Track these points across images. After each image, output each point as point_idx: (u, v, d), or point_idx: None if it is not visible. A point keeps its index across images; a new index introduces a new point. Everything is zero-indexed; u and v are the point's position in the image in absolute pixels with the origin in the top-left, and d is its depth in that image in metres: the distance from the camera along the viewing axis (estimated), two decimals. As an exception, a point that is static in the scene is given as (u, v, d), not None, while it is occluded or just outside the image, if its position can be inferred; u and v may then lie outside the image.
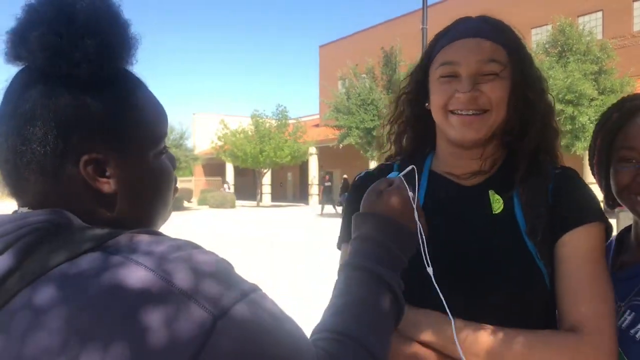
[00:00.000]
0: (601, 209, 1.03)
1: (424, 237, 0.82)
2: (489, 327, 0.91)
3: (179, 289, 0.58)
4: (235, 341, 0.59)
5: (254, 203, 31.00)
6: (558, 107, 14.77)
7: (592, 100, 15.25)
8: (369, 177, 1.13)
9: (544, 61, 16.21)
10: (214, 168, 41.12)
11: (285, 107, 29.55)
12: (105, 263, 0.60)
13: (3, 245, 0.61)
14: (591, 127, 14.86)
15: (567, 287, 0.95)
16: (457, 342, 0.84)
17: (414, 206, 0.83)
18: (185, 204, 28.47)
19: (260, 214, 22.97)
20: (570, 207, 1.00)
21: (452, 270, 0.98)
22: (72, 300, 0.57)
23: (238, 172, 37.26)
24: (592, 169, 1.22)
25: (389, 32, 25.80)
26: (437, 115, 1.05)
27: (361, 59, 21.85)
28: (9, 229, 0.63)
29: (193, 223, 17.29)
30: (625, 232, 1.23)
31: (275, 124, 29.07)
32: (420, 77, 1.11)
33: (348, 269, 0.84)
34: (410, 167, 0.90)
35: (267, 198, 32.51)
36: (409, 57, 20.21)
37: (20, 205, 0.70)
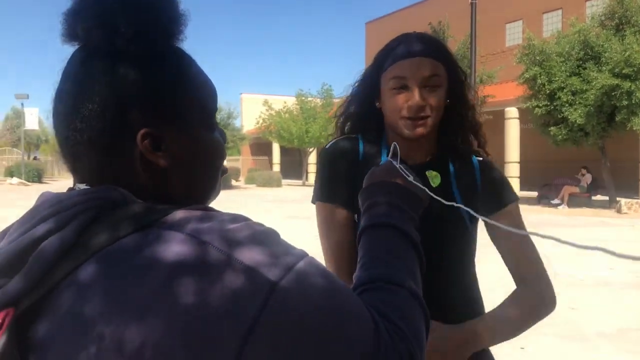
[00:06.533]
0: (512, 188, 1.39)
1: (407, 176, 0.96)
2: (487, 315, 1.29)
3: (238, 260, 0.58)
4: (298, 303, 0.58)
5: (300, 182, 31.22)
6: (614, 81, 14.15)
7: (651, 74, 14.52)
8: (340, 145, 1.41)
9: (600, 34, 15.53)
10: (260, 147, 41.53)
11: (330, 86, 29.44)
12: (158, 238, 0.60)
13: (62, 221, 0.62)
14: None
15: (513, 249, 1.34)
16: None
17: (401, 172, 0.97)
18: (234, 182, 28.90)
19: (306, 193, 23.01)
20: (495, 189, 1.35)
21: None
22: (117, 272, 0.59)
23: (284, 151, 37.54)
24: None
25: (437, 7, 25.22)
26: (390, 117, 1.29)
27: (408, 36, 21.33)
28: (67, 205, 0.63)
29: (241, 201, 17.56)
30: None
31: (320, 103, 29.02)
32: (373, 80, 1.33)
33: (368, 230, 0.86)
34: (392, 146, 1.05)
35: (312, 177, 32.48)
36: (457, 32, 19.76)
37: (78, 181, 0.71)
